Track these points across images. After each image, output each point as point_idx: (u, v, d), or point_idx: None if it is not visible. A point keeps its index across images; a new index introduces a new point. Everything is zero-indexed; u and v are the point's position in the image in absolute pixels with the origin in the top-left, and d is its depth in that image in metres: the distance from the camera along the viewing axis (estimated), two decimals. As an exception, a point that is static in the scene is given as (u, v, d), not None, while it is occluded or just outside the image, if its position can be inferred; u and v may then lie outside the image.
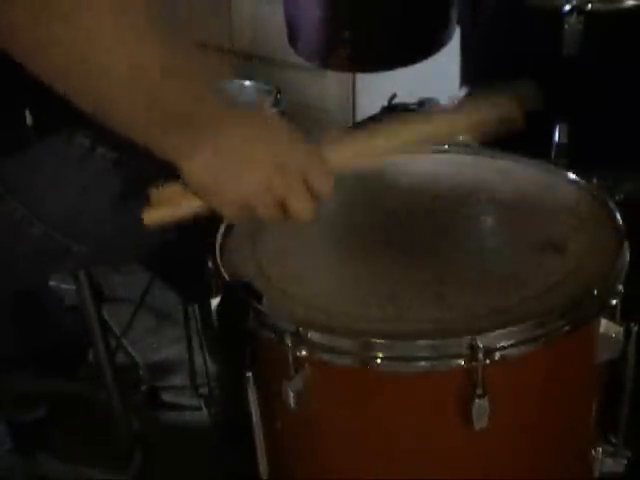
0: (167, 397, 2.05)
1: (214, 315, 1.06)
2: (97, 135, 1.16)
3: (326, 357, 0.96)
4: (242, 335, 1.01)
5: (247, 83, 2.35)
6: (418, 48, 1.90)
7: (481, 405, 0.94)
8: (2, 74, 1.05)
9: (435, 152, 1.33)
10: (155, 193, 0.99)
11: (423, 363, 0.95)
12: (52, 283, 2.14)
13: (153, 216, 0.99)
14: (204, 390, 1.79)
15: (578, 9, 1.43)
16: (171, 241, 1.28)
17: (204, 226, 1.13)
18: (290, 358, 0.96)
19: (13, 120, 1.10)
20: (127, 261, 1.37)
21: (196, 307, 1.65)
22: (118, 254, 1.34)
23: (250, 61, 2.78)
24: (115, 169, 1.19)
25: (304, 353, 0.96)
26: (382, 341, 0.95)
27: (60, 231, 1.19)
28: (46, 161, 1.14)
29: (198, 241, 1.12)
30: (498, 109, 0.99)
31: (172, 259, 1.34)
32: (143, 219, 1.00)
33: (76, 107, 1.11)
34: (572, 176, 1.22)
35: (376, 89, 2.30)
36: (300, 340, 0.96)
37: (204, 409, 1.75)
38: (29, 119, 1.10)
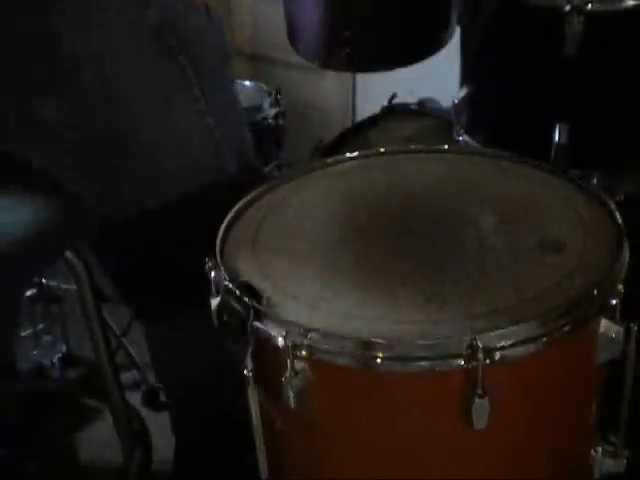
0: (167, 397, 2.05)
1: (214, 315, 1.06)
2: (165, 18, 1.19)
3: (326, 357, 0.96)
4: (242, 335, 1.01)
5: (247, 83, 2.35)
6: (418, 48, 1.90)
7: (481, 405, 0.94)
8: None
9: (435, 152, 1.33)
10: None
11: (423, 363, 0.95)
12: (52, 283, 2.14)
13: None
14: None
15: (578, 9, 1.43)
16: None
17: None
18: (290, 358, 0.96)
19: None
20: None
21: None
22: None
23: (250, 61, 2.78)
24: (169, 56, 1.21)
25: (304, 353, 0.96)
26: (382, 341, 0.95)
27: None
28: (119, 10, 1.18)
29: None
30: None
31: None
32: None
33: None
34: (572, 176, 1.22)
35: (376, 89, 2.30)
36: (300, 340, 0.96)
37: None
38: None
